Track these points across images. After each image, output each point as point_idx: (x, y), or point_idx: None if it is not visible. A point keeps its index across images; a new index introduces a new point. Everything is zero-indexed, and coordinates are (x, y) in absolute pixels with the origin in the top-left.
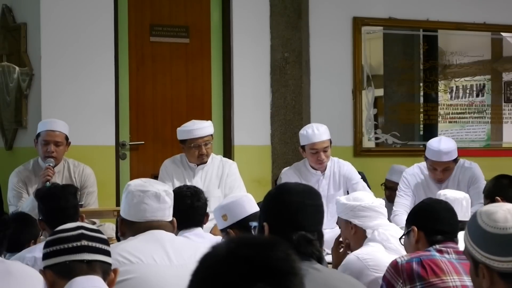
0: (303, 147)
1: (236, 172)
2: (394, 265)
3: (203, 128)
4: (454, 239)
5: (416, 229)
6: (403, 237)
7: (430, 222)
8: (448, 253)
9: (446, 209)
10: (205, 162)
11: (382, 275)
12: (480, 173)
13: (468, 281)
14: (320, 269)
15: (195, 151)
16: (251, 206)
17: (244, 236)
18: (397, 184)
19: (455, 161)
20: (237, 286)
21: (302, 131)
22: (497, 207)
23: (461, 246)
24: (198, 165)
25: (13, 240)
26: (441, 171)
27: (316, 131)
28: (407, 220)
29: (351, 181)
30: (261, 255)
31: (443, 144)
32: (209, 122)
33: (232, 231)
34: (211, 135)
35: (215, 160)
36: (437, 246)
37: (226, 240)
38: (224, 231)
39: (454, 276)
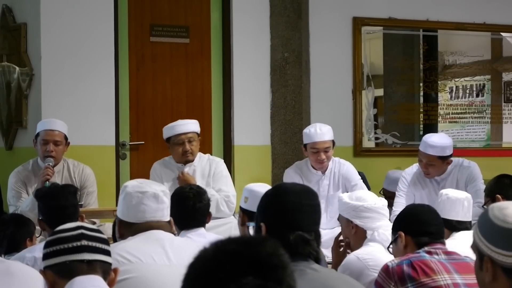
0: (305, 145)
1: (223, 169)
2: (385, 269)
3: (186, 124)
4: (441, 240)
5: (403, 234)
6: (391, 245)
7: (416, 225)
8: (437, 254)
9: (429, 211)
10: (191, 161)
11: None
12: (478, 173)
13: (459, 279)
14: (318, 269)
15: (179, 148)
16: None
17: (232, 236)
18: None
19: (443, 159)
20: (227, 281)
21: (306, 130)
22: (510, 204)
23: (462, 246)
24: (185, 164)
25: (9, 242)
26: (425, 164)
27: (318, 131)
28: (392, 227)
29: (350, 182)
30: (249, 250)
31: (433, 138)
32: (195, 120)
33: (244, 215)
34: (197, 133)
35: (203, 158)
36: (426, 248)
37: (214, 240)
38: (240, 209)
39: (444, 275)
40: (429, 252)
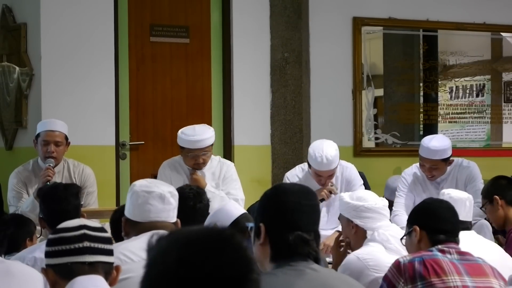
0: (309, 163)
1: (233, 173)
2: (397, 264)
3: (203, 140)
4: (456, 239)
5: (418, 228)
6: (405, 237)
7: (432, 221)
8: (450, 253)
9: (447, 208)
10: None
11: (382, 275)
12: (478, 173)
13: (469, 281)
14: (317, 269)
15: (192, 161)
16: (237, 209)
17: (190, 238)
18: None
19: (446, 161)
20: None
21: (312, 153)
22: None
23: (462, 245)
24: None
25: (9, 242)
26: (428, 168)
27: (325, 161)
28: (408, 220)
29: (352, 187)
30: (212, 266)
31: (433, 142)
32: (211, 131)
33: None
34: (211, 144)
35: (213, 161)
36: (439, 246)
37: (173, 243)
38: None
39: (455, 276)
40: (442, 251)
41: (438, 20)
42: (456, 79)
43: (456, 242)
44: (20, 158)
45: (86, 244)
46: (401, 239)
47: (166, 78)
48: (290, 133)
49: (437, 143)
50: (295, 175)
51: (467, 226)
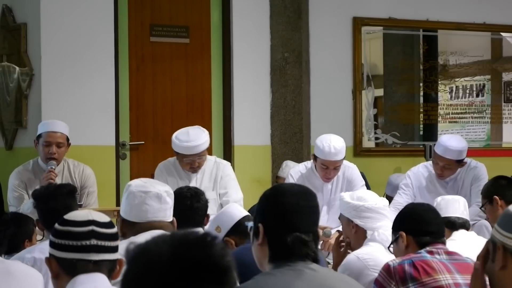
0: (315, 156)
1: (230, 173)
2: (386, 268)
3: (198, 146)
4: (442, 239)
5: (404, 234)
6: (392, 244)
7: (417, 225)
8: (438, 254)
9: (429, 210)
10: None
11: None
12: (484, 173)
13: (460, 279)
14: (316, 269)
15: (187, 165)
16: (239, 211)
17: (179, 235)
18: None
19: (459, 162)
20: None
21: (319, 143)
22: None
23: (462, 246)
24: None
25: (9, 242)
26: (441, 167)
27: (332, 150)
28: (393, 227)
29: (354, 187)
30: (204, 256)
31: (451, 141)
32: (205, 135)
33: (229, 239)
34: (207, 148)
35: (209, 161)
36: (427, 248)
37: (165, 240)
38: (222, 241)
39: (446, 274)
40: (430, 252)
41: (438, 20)
42: (456, 79)
43: (443, 242)
44: (20, 158)
45: (93, 242)
46: (388, 247)
47: (166, 78)
48: (290, 133)
49: (455, 143)
50: (299, 171)
51: (464, 221)
